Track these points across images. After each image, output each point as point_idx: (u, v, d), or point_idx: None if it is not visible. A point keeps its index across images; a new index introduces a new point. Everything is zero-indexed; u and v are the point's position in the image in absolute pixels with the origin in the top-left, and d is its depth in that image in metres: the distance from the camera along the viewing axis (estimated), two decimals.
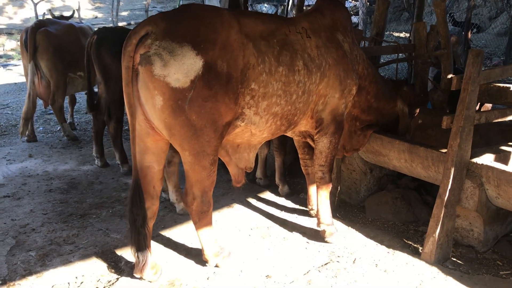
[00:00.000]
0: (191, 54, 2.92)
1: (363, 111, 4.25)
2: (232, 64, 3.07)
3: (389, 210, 4.41)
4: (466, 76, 3.44)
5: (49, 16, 10.00)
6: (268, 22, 3.43)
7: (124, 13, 25.27)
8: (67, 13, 10.35)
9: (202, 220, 3.38)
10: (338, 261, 3.67)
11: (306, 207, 4.57)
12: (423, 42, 4.98)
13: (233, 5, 6.69)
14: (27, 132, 6.76)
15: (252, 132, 3.48)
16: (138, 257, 3.28)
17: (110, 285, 3.37)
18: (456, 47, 8.62)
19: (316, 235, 4.04)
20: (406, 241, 4.01)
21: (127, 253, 3.69)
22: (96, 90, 5.94)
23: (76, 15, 20.78)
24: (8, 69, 13.59)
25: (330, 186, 4.03)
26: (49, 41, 6.40)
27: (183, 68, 2.90)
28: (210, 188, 3.32)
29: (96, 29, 6.31)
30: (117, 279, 3.44)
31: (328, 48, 3.70)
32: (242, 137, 3.55)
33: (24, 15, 24.24)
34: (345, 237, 4.05)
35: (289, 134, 4.10)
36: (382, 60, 6.75)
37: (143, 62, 2.92)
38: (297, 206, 4.71)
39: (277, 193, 4.99)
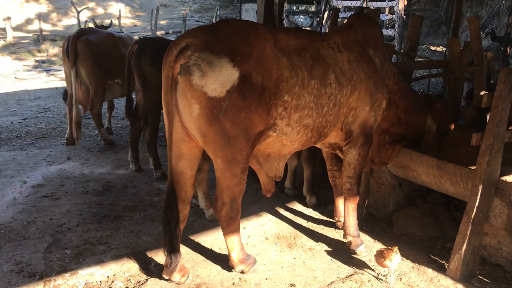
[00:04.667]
0: (228, 66, 3.05)
1: (393, 125, 4.29)
2: (266, 76, 3.18)
3: (416, 225, 4.40)
4: (497, 94, 3.45)
5: (91, 25, 10.49)
6: (302, 37, 3.53)
7: (163, 22, 25.88)
8: (107, 21, 10.88)
9: (230, 226, 3.48)
10: (362, 273, 3.70)
11: (333, 218, 4.61)
12: (456, 58, 4.98)
13: (268, 17, 6.79)
14: (75, 135, 6.85)
15: (283, 142, 3.57)
16: (170, 258, 3.41)
17: (139, 285, 3.50)
18: (493, 63, 8.51)
19: (342, 247, 4.08)
20: (432, 256, 4.01)
21: (157, 256, 3.84)
22: (134, 97, 6.14)
23: (116, 22, 21.45)
24: (51, 74, 14.12)
25: (357, 199, 4.07)
26: (89, 49, 6.63)
27: (220, 78, 3.04)
28: (239, 195, 3.43)
29: (136, 38, 6.54)
30: (146, 280, 3.57)
31: (359, 62, 3.78)
32: (273, 147, 3.64)
33: (67, 22, 25.16)
34: (371, 250, 4.07)
35: (318, 145, 4.17)
36: (417, 75, 6.76)
37: (183, 72, 3.07)
38: (324, 218, 4.75)
39: (305, 204, 5.04)
